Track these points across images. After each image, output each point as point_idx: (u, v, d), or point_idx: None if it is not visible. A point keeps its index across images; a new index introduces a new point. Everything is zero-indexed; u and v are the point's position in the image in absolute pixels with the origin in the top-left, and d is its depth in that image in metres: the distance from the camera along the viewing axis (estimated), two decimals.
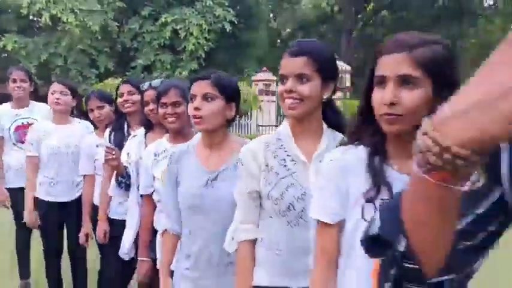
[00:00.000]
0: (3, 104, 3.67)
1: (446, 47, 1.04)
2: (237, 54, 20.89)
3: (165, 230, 1.87)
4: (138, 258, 2.29)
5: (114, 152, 2.45)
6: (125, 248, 2.50)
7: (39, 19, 16.20)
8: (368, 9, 23.75)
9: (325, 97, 1.38)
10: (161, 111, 2.14)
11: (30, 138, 3.19)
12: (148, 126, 2.50)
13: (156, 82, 2.52)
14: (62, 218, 3.24)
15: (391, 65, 1.01)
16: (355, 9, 23.17)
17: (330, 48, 1.54)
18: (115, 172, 2.58)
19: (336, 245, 1.15)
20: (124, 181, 2.54)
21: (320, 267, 1.17)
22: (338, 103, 14.09)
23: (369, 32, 24.20)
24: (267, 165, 1.42)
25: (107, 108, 3.03)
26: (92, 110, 3.05)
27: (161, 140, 2.22)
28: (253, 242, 1.47)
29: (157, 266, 2.07)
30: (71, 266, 3.35)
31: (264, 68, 18.02)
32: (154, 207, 2.25)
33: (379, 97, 1.03)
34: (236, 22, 19.14)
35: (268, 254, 1.43)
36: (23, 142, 3.38)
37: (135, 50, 18.61)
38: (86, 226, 3.05)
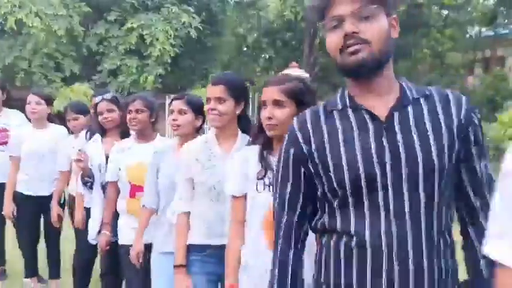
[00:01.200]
0: None
1: (303, 81, 1.66)
2: (203, 59, 21.36)
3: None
4: (101, 231, 2.82)
5: (83, 156, 2.97)
6: (92, 235, 3.03)
7: (3, 22, 16.20)
8: None
9: (237, 112, 1.98)
10: (128, 116, 2.69)
11: (12, 141, 3.66)
12: (103, 132, 3.02)
13: (107, 95, 3.03)
14: (39, 210, 3.71)
15: (266, 93, 1.64)
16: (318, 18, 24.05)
17: (241, 77, 2.24)
18: (81, 172, 3.10)
19: (243, 210, 1.73)
20: (90, 181, 3.06)
21: (234, 230, 1.77)
22: None
23: None
24: (197, 159, 2.00)
25: (82, 119, 3.54)
26: (69, 120, 3.56)
27: (128, 139, 2.76)
28: (188, 213, 2.05)
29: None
30: (46, 251, 3.82)
31: None
32: (118, 192, 2.78)
33: (262, 116, 1.65)
34: (201, 28, 19.63)
35: (198, 222, 2.02)
36: (4, 144, 3.83)
37: (101, 54, 18.80)
38: (55, 210, 3.56)
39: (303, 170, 1.23)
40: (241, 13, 30.45)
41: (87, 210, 3.26)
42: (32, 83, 16.90)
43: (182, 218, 2.06)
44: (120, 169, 2.69)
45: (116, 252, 2.85)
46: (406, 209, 1.08)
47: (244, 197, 1.72)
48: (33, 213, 3.74)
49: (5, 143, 3.87)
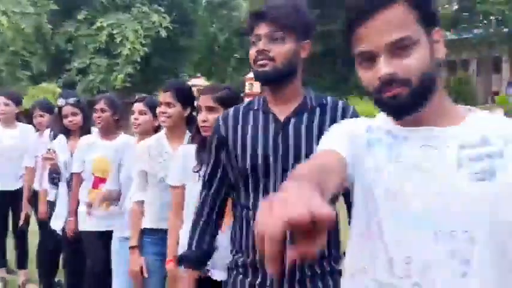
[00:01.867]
0: None
1: (231, 89, 1.97)
2: (173, 59, 21.50)
3: None
4: (67, 219, 3.08)
5: (52, 154, 3.21)
6: (58, 228, 3.27)
7: None
8: None
9: (185, 115, 2.27)
10: (94, 115, 2.95)
11: None
12: (68, 133, 3.26)
13: (71, 100, 3.26)
14: (7, 204, 3.92)
15: (202, 100, 1.94)
16: None
17: (187, 84, 2.47)
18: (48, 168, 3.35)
19: (182, 197, 2.04)
20: (57, 177, 3.31)
21: (174, 214, 2.08)
22: None
23: None
24: (150, 155, 2.29)
25: (47, 117, 3.76)
26: (35, 117, 3.77)
27: (93, 135, 3.00)
28: (142, 202, 2.34)
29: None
30: (15, 242, 4.04)
31: (198, 75, 18.79)
32: (81, 182, 3.03)
33: (199, 119, 1.95)
34: (172, 28, 19.78)
35: (149, 208, 2.31)
36: None
37: (70, 52, 18.77)
38: (25, 207, 3.77)
39: (222, 153, 1.53)
40: (213, 13, 30.69)
41: (51, 204, 3.50)
42: (0, 80, 16.73)
43: (137, 205, 2.37)
44: (84, 161, 2.94)
45: (76, 242, 3.11)
46: None
47: (184, 187, 2.03)
48: (1, 207, 3.94)
49: None
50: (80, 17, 18.63)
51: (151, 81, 20.68)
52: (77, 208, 3.04)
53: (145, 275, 2.31)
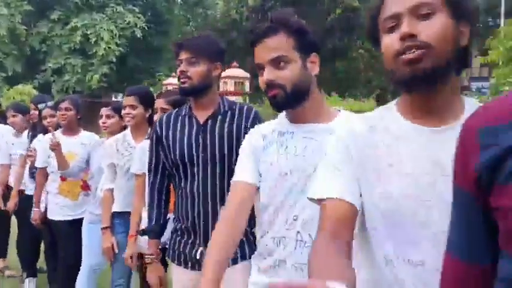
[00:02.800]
0: None
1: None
2: (149, 59, 21.69)
3: None
4: (33, 209, 3.45)
5: (33, 152, 3.57)
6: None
7: None
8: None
9: (147, 115, 2.65)
10: (58, 113, 3.31)
11: None
12: (46, 133, 3.62)
13: (50, 103, 3.65)
14: None
15: (157, 103, 2.32)
16: (260, 18, 24.89)
17: (148, 89, 2.88)
18: (29, 163, 3.70)
19: (144, 183, 2.43)
20: (35, 171, 3.66)
21: (137, 198, 2.47)
22: None
23: None
24: (117, 150, 2.68)
25: (20, 117, 4.11)
26: (8, 117, 4.12)
27: (57, 132, 3.33)
28: (112, 189, 2.72)
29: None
30: None
31: (173, 74, 19.03)
32: (46, 176, 3.39)
33: (155, 118, 2.34)
34: (147, 28, 19.99)
35: (118, 195, 2.70)
36: None
37: (45, 53, 18.82)
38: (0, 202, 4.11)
39: (159, 148, 1.95)
40: (188, 12, 30.93)
41: (31, 197, 3.86)
42: None
43: (108, 193, 2.76)
44: (49, 156, 3.30)
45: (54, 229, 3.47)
46: (209, 179, 1.83)
47: (144, 175, 2.42)
48: None
49: None
50: (54, 17, 18.69)
51: (127, 80, 20.84)
52: (40, 200, 3.43)
53: (116, 250, 2.71)
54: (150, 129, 2.71)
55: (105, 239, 2.74)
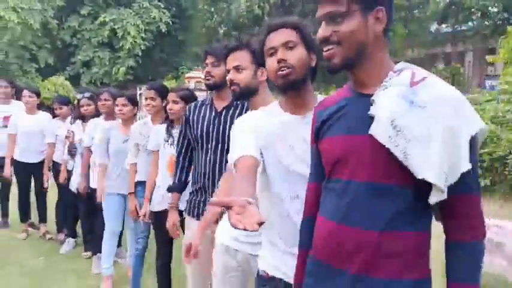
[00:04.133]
0: None
1: (190, 90, 3.06)
2: (173, 52, 22.53)
3: None
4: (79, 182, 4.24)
5: (71, 134, 4.36)
6: (74, 186, 4.41)
7: None
8: (293, 16, 26.02)
9: (163, 105, 3.35)
10: (98, 103, 4.06)
11: (10, 123, 5.00)
12: (83, 119, 4.39)
13: (87, 94, 4.43)
14: (30, 173, 5.08)
15: (169, 96, 3.03)
16: (283, 14, 25.45)
17: (164, 84, 3.60)
18: (67, 143, 4.50)
19: (157, 157, 3.14)
20: (74, 150, 4.45)
21: (152, 167, 3.20)
22: None
23: None
24: (140, 133, 3.42)
25: (65, 108, 4.90)
26: (56, 109, 4.93)
27: (98, 119, 4.07)
28: (135, 163, 3.47)
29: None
30: (36, 202, 5.20)
31: (196, 67, 19.80)
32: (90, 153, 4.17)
33: (168, 107, 3.05)
34: (171, 23, 20.80)
35: (140, 168, 3.44)
36: (6, 126, 5.15)
37: (75, 46, 19.80)
38: (46, 174, 4.92)
39: (187, 127, 2.63)
40: (212, 6, 31.65)
41: (68, 172, 4.65)
42: (9, 73, 17.81)
43: (132, 166, 3.50)
44: (93, 138, 4.07)
45: (88, 199, 4.25)
46: (218, 152, 2.46)
47: (158, 151, 3.15)
48: (25, 174, 5.08)
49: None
50: (84, 12, 19.63)
51: (151, 73, 21.73)
52: (88, 172, 4.19)
53: (139, 211, 3.42)
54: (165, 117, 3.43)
55: (131, 202, 3.48)
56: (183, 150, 2.74)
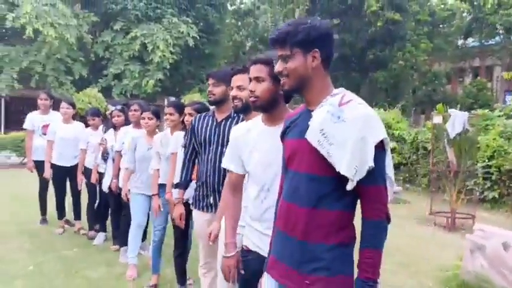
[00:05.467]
0: (34, 111, 6.19)
1: (203, 104, 3.63)
2: (200, 65, 23.38)
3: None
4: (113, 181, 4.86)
5: (104, 141, 5.01)
6: (106, 187, 5.04)
7: (22, 31, 18.18)
8: None
9: (180, 119, 3.95)
10: (129, 114, 4.70)
11: (49, 131, 5.70)
12: (115, 128, 5.03)
13: (118, 106, 5.09)
14: (65, 175, 5.75)
15: (186, 110, 3.61)
16: None
17: (182, 101, 4.19)
18: (101, 149, 5.15)
19: (175, 160, 3.73)
20: (107, 156, 5.09)
21: (171, 167, 3.79)
22: None
23: None
24: (161, 142, 4.00)
25: (97, 120, 5.58)
26: (89, 120, 5.61)
27: (127, 127, 4.72)
28: (158, 169, 4.05)
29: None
30: (72, 201, 5.86)
31: None
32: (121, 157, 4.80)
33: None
34: (199, 37, 21.64)
35: (161, 173, 4.01)
36: (45, 134, 5.86)
37: (107, 60, 20.83)
38: (80, 177, 5.56)
39: (192, 135, 3.20)
40: (239, 21, 32.54)
41: (100, 174, 5.31)
42: (46, 84, 18.91)
43: (155, 171, 4.11)
44: (123, 143, 4.72)
45: (118, 197, 4.87)
46: (218, 154, 2.98)
47: (176, 153, 3.73)
48: (61, 177, 5.77)
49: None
50: (117, 27, 20.67)
51: (179, 85, 22.59)
52: (118, 173, 4.82)
53: (161, 208, 4.00)
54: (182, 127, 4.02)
55: (154, 201, 4.05)
56: (189, 155, 3.30)
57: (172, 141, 3.85)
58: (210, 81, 3.05)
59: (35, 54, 18.85)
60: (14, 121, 20.83)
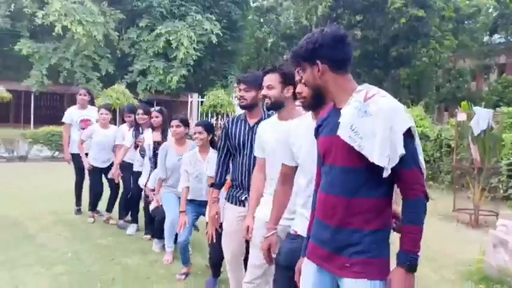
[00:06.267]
0: (73, 106, 6.51)
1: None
2: (223, 62, 23.67)
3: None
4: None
5: (142, 140, 5.27)
6: (142, 183, 5.29)
7: (49, 27, 18.73)
8: (341, 27, 26.48)
9: (209, 139, 4.16)
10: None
11: (85, 133, 6.01)
12: (153, 128, 5.29)
13: (157, 108, 5.37)
14: (101, 173, 6.05)
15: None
16: (329, 25, 25.92)
17: (211, 122, 4.53)
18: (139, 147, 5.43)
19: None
20: (144, 153, 5.35)
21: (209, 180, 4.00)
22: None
23: None
24: (190, 162, 4.24)
25: (133, 117, 5.82)
26: (125, 117, 5.88)
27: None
28: (188, 187, 4.27)
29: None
30: (110, 194, 6.14)
31: None
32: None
33: None
34: (222, 34, 21.89)
35: (191, 190, 4.26)
36: (83, 128, 6.15)
37: (133, 56, 21.26)
38: (115, 168, 5.82)
39: (226, 137, 3.34)
40: (261, 18, 32.66)
41: (138, 172, 5.58)
42: (74, 80, 19.43)
43: (184, 189, 4.21)
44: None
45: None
46: (252, 158, 3.09)
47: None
48: (96, 174, 6.07)
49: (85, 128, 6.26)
50: (142, 24, 21.08)
51: (202, 82, 22.89)
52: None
53: (187, 224, 4.16)
54: (211, 147, 4.24)
55: (182, 218, 4.20)
56: (223, 157, 3.43)
57: (211, 162, 3.99)
58: (241, 86, 3.15)
59: (63, 51, 19.41)
60: (44, 116, 21.51)
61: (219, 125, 17.14)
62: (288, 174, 2.41)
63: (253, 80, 3.15)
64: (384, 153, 1.72)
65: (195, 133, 4.23)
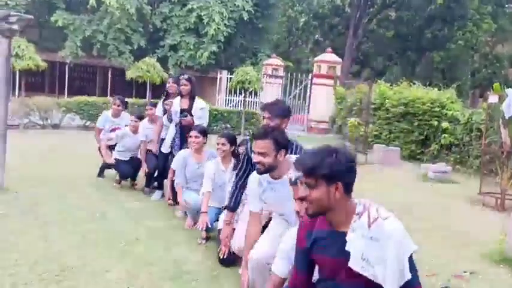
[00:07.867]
0: (107, 112, 6.88)
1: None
2: (253, 39, 23.52)
3: None
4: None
5: (170, 104, 5.47)
6: (166, 148, 5.44)
7: (85, 0, 19.00)
8: (375, 6, 25.98)
9: (231, 150, 4.41)
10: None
11: (117, 136, 6.29)
12: (181, 96, 5.45)
13: (186, 76, 5.54)
14: (129, 163, 6.27)
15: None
16: (363, 5, 25.46)
17: (235, 135, 4.82)
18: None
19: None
20: (170, 118, 5.51)
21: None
22: (330, 89, 16.74)
23: (372, 27, 26.50)
24: (214, 173, 4.45)
25: (154, 110, 6.06)
26: (147, 109, 6.29)
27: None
28: (210, 192, 4.40)
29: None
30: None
31: (274, 55, 20.66)
32: None
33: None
34: (253, 11, 21.74)
35: (212, 196, 4.43)
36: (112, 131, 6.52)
37: (164, 31, 21.38)
38: (143, 163, 6.01)
39: (249, 163, 3.42)
40: None
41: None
42: (107, 53, 19.74)
43: (206, 194, 4.32)
44: None
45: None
46: None
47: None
48: (126, 165, 6.26)
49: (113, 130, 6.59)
50: None
51: (232, 59, 22.87)
52: None
53: (209, 225, 4.26)
54: (233, 158, 4.37)
55: (202, 218, 4.27)
56: (241, 182, 3.53)
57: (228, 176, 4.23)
58: (266, 114, 3.26)
59: (97, 23, 19.69)
60: (77, 87, 22.03)
61: (246, 102, 17.26)
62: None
63: (279, 111, 3.28)
64: (394, 280, 1.86)
65: (218, 144, 4.36)
